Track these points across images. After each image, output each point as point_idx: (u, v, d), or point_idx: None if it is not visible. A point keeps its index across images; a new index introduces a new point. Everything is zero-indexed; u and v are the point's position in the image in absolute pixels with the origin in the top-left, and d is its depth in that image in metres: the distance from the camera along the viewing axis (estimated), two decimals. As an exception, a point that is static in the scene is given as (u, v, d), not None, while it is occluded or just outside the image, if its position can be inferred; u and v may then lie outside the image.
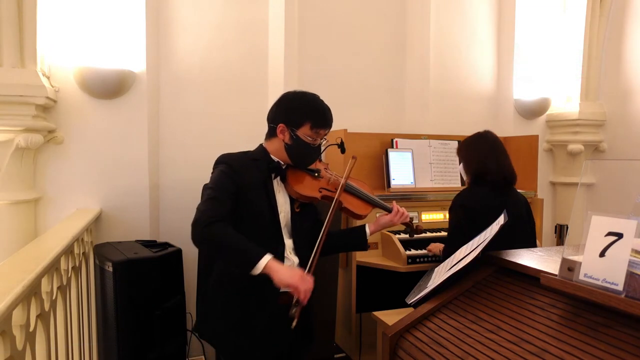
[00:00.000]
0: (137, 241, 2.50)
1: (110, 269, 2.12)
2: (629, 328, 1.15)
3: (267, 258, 1.42)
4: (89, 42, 2.59)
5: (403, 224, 1.90)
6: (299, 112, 1.64)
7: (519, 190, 2.32)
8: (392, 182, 2.94)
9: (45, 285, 1.48)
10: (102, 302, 2.25)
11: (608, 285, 1.15)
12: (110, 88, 2.64)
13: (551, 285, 1.32)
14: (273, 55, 3.13)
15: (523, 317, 1.40)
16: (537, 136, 3.26)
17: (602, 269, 1.17)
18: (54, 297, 1.60)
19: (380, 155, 3.02)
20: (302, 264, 1.65)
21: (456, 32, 3.71)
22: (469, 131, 2.46)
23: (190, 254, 2.58)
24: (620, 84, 3.77)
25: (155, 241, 2.53)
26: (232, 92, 3.08)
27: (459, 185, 3.07)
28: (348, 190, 1.80)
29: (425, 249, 2.62)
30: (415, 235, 1.96)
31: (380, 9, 3.48)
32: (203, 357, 2.88)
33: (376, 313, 2.37)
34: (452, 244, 2.12)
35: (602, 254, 1.18)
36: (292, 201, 1.69)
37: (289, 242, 1.66)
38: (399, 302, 2.12)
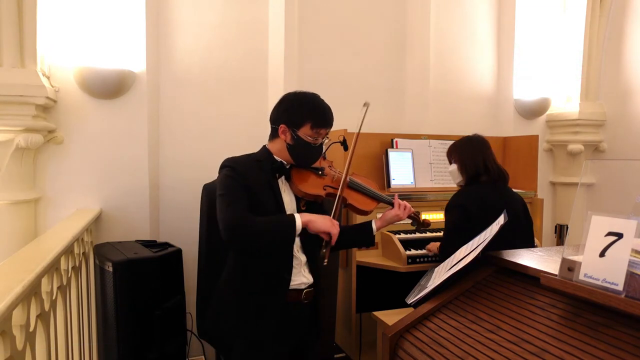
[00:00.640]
0: (137, 241, 2.50)
1: (110, 269, 2.12)
2: (629, 328, 1.15)
3: (298, 218, 1.54)
4: (89, 42, 2.59)
5: (409, 217, 1.89)
6: (299, 112, 1.66)
7: (516, 190, 2.33)
8: (392, 182, 2.94)
9: (45, 285, 1.48)
10: (102, 302, 2.25)
11: (608, 285, 1.15)
12: (110, 88, 2.64)
13: (551, 285, 1.32)
14: (273, 55, 3.13)
15: (523, 317, 1.40)
16: (537, 136, 3.26)
17: (602, 269, 1.17)
18: (54, 297, 1.60)
19: (380, 155, 3.02)
20: (310, 261, 1.71)
21: (456, 32, 3.71)
22: (469, 131, 2.47)
23: (190, 254, 2.59)
24: (620, 84, 3.77)
25: (155, 241, 2.53)
26: (232, 92, 3.08)
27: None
28: (352, 186, 1.81)
29: (425, 249, 2.62)
30: (422, 229, 1.97)
31: (380, 9, 3.48)
32: (203, 357, 2.88)
33: (376, 313, 2.37)
34: (449, 244, 2.14)
35: (602, 254, 1.18)
36: (298, 200, 1.71)
37: (296, 240, 1.67)
38: (399, 302, 2.12)
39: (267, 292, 1.62)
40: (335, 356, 2.81)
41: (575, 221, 1.98)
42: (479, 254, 1.69)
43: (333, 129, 1.73)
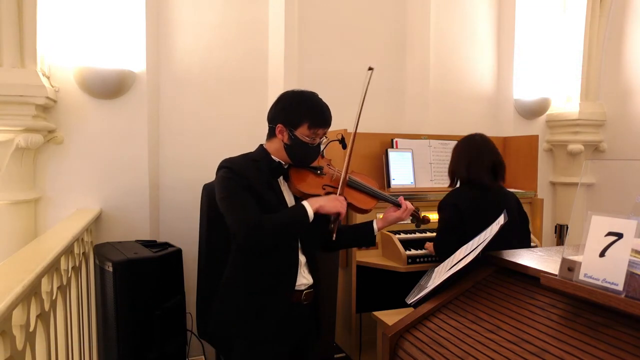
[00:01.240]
0: (137, 241, 2.50)
1: (110, 269, 2.12)
2: (629, 328, 1.15)
3: (309, 208, 1.56)
4: (89, 42, 2.59)
5: (410, 215, 1.88)
6: (297, 112, 1.64)
7: (516, 190, 2.34)
8: (392, 182, 2.94)
9: (45, 285, 1.48)
10: (102, 302, 2.25)
11: (608, 285, 1.15)
12: (110, 88, 2.64)
13: (551, 285, 1.32)
14: (273, 55, 3.13)
15: (523, 317, 1.40)
16: (537, 136, 3.26)
17: (602, 269, 1.17)
18: (54, 297, 1.60)
19: (380, 155, 3.02)
20: (310, 263, 1.70)
21: (456, 32, 3.71)
22: (469, 131, 2.46)
23: (190, 254, 2.58)
24: (620, 84, 3.77)
25: (155, 241, 2.53)
26: (232, 92, 3.08)
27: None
28: (351, 185, 1.79)
29: (425, 249, 2.62)
30: (422, 225, 1.96)
31: (380, 9, 3.48)
32: (203, 357, 2.88)
33: (376, 313, 2.37)
34: (442, 241, 2.20)
35: (602, 254, 1.18)
36: (297, 200, 1.70)
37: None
38: (399, 302, 2.12)
39: (269, 292, 1.62)
40: (335, 356, 2.81)
41: (575, 221, 1.98)
42: (479, 254, 1.69)
43: (332, 128, 1.73)
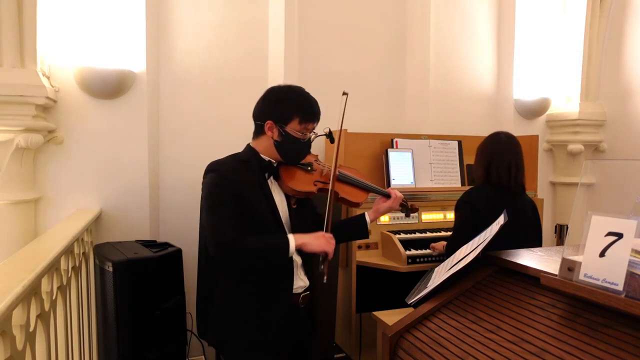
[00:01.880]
0: (137, 241, 2.50)
1: (110, 269, 2.12)
2: (629, 328, 1.15)
3: (292, 242, 1.52)
4: (89, 42, 2.59)
5: (400, 205, 1.89)
6: (287, 107, 1.60)
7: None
8: (392, 182, 2.94)
9: (45, 285, 1.48)
10: (102, 302, 2.25)
11: (608, 285, 1.15)
12: (110, 88, 2.64)
13: (551, 285, 1.32)
14: (273, 55, 3.12)
15: (523, 317, 1.40)
16: (537, 136, 3.26)
17: (602, 269, 1.17)
18: (54, 297, 1.60)
19: (380, 155, 3.02)
20: (305, 263, 1.68)
21: (456, 32, 3.71)
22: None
23: (190, 254, 2.58)
24: (620, 84, 3.77)
25: (155, 241, 2.53)
26: (232, 92, 3.08)
27: (459, 185, 3.08)
28: (342, 179, 1.78)
29: (425, 249, 2.62)
30: (411, 215, 1.96)
31: (381, 9, 3.48)
32: (203, 357, 2.88)
33: (376, 313, 2.37)
34: (457, 240, 2.12)
35: (602, 254, 1.18)
36: (288, 198, 1.67)
37: None
38: (399, 302, 2.12)
39: (266, 295, 1.60)
40: (335, 356, 2.81)
41: (575, 221, 1.98)
42: (479, 254, 1.69)
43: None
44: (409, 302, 1.83)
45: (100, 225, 2.71)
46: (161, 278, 2.22)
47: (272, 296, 1.61)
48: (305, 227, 1.68)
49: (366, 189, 1.83)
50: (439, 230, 2.83)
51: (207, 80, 3.01)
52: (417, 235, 2.76)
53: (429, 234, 2.76)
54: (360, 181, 1.82)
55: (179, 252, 2.39)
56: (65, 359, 1.80)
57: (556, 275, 1.30)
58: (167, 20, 2.92)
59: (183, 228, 2.88)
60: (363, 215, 1.83)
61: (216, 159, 1.67)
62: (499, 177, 2.19)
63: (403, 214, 1.97)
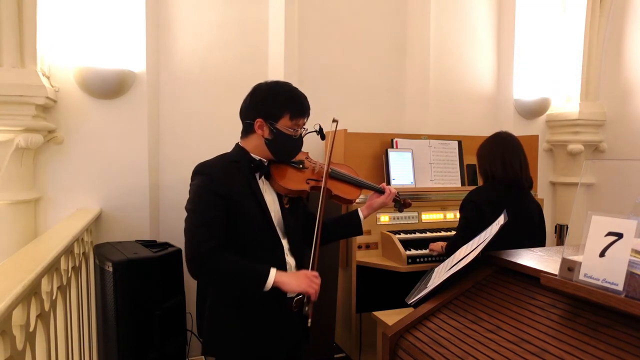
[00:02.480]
0: (137, 241, 2.50)
1: (110, 269, 2.12)
2: (629, 328, 1.15)
3: (272, 276, 1.43)
4: (89, 42, 2.59)
5: (393, 200, 1.87)
6: (276, 103, 1.55)
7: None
8: (392, 182, 2.94)
9: (45, 285, 1.48)
10: (102, 302, 2.25)
11: (608, 285, 1.15)
12: (110, 88, 2.64)
13: (551, 285, 1.32)
14: (273, 55, 3.13)
15: (523, 317, 1.40)
16: (537, 136, 3.26)
17: (602, 269, 1.17)
18: (54, 297, 1.60)
19: (380, 155, 3.02)
20: (299, 265, 1.63)
21: (456, 32, 3.71)
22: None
23: (190, 254, 2.58)
24: (620, 84, 3.77)
25: (155, 241, 2.53)
26: (232, 92, 3.07)
27: (459, 185, 3.08)
28: (334, 176, 1.76)
29: (425, 249, 2.62)
30: (404, 210, 1.95)
31: (381, 9, 3.48)
32: (203, 357, 2.88)
33: (376, 313, 2.37)
34: (461, 239, 2.09)
35: (602, 254, 1.18)
36: (280, 197, 1.63)
37: (284, 242, 1.61)
38: (399, 302, 2.12)
39: (259, 298, 1.52)
40: (335, 356, 2.81)
41: (575, 221, 1.98)
42: (479, 254, 1.69)
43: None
44: (409, 302, 1.83)
45: (100, 226, 2.71)
46: (161, 278, 2.22)
47: (264, 300, 1.53)
48: (298, 228, 1.66)
49: (359, 186, 1.82)
50: (438, 230, 2.83)
51: (207, 80, 3.02)
52: (417, 235, 2.76)
53: (429, 234, 2.76)
54: (353, 178, 1.81)
55: (179, 252, 2.39)
56: (65, 359, 1.80)
57: (556, 275, 1.30)
58: (167, 20, 2.93)
59: (183, 228, 2.87)
60: (356, 211, 1.81)
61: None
62: (512, 170, 2.17)
63: (397, 210, 1.95)
